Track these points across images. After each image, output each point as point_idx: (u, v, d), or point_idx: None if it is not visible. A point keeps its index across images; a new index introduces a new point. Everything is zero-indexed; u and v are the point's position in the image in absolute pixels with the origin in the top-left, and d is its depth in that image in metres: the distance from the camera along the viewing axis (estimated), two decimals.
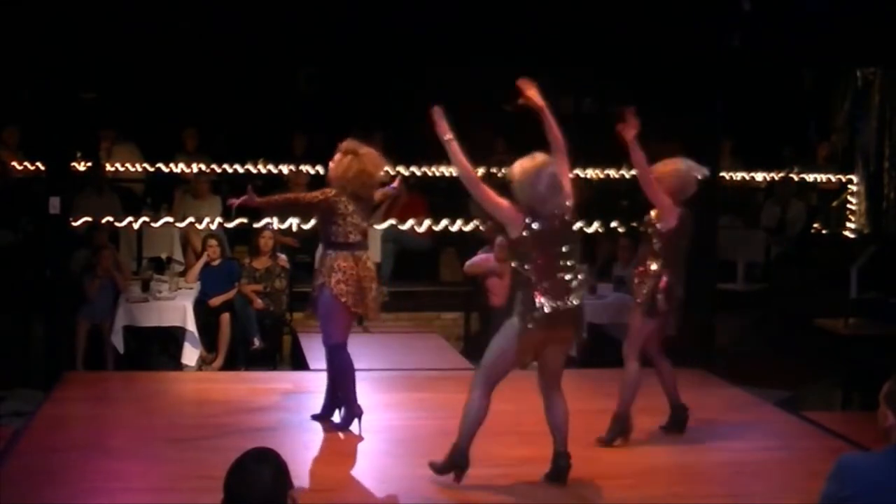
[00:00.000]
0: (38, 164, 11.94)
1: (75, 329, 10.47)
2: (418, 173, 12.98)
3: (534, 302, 6.39)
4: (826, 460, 4.04)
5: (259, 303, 11.14)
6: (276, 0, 11.80)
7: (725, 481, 7.04)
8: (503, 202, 6.45)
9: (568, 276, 6.49)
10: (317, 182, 13.35)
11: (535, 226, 6.38)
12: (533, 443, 7.25)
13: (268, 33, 13.30)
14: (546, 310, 6.39)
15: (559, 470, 6.70)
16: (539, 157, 6.43)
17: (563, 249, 6.49)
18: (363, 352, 8.96)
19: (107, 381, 9.98)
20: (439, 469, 6.65)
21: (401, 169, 12.47)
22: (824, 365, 10.33)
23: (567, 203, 6.52)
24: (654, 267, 7.56)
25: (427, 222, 12.18)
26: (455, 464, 6.62)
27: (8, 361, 10.26)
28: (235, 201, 7.77)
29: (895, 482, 3.77)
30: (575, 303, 6.50)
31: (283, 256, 11.59)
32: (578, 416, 8.35)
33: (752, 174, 14.31)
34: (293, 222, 11.77)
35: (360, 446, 7.49)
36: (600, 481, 6.86)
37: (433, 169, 12.96)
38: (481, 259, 10.82)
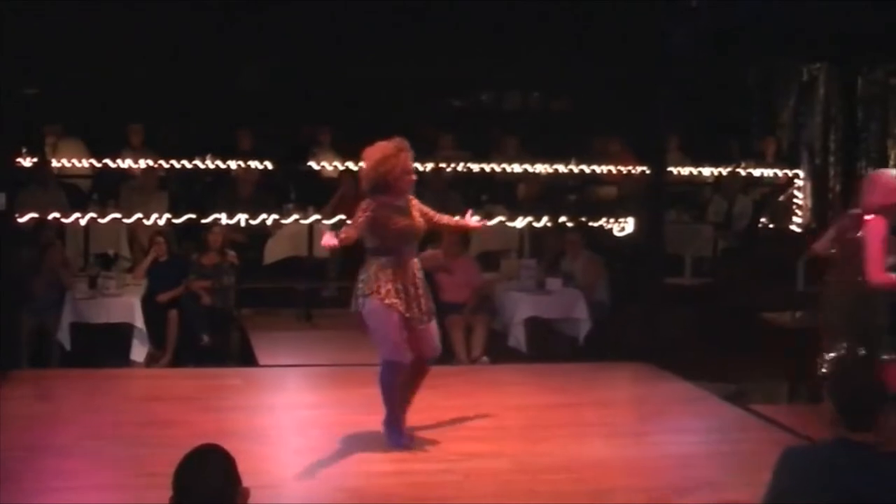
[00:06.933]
0: None
1: (19, 327, 10.34)
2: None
3: None
4: (772, 453, 4.06)
5: (207, 299, 11.08)
6: None
7: (671, 474, 7.06)
8: None
9: None
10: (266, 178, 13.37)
11: None
12: (483, 438, 7.27)
13: (212, 28, 13.22)
14: None
15: None
16: None
17: None
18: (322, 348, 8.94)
19: (53, 378, 9.87)
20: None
21: (350, 164, 12.49)
22: (771, 358, 10.41)
23: None
24: None
25: None
26: None
27: None
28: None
29: (839, 473, 3.82)
30: None
31: (232, 253, 11.51)
32: (526, 410, 8.44)
33: (699, 169, 14.41)
34: (242, 218, 11.75)
35: (309, 443, 7.47)
36: (547, 475, 6.88)
37: None
38: (430, 254, 10.79)
